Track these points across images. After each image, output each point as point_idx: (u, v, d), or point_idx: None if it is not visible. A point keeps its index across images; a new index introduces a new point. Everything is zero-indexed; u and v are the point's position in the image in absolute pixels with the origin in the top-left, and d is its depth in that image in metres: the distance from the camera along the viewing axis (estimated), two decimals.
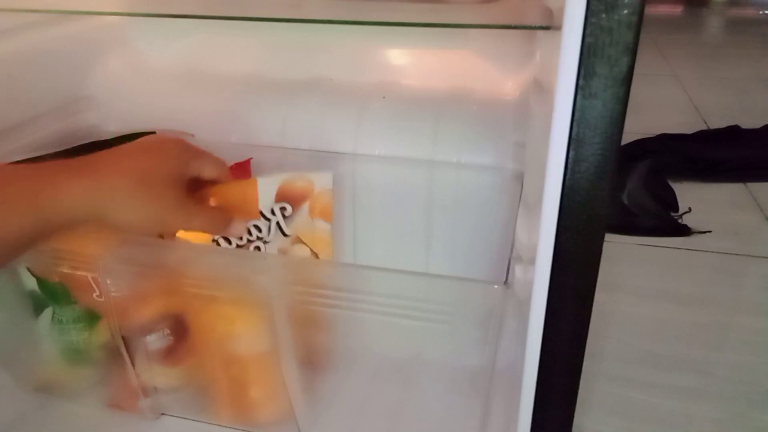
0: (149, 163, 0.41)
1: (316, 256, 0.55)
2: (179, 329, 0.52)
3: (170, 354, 0.52)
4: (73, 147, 0.57)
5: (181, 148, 0.44)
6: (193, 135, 0.62)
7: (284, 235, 0.54)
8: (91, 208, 0.38)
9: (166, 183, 0.41)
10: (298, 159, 0.60)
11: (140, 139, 0.44)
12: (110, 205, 0.38)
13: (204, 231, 0.47)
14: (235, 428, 0.54)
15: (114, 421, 0.56)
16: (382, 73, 0.64)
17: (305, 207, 0.54)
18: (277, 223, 0.54)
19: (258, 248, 0.54)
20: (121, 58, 0.69)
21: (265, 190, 0.53)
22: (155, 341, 0.51)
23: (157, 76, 0.69)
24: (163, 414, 0.56)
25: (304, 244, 0.55)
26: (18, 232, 0.36)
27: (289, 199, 0.54)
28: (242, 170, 0.58)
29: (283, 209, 0.54)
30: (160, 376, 0.54)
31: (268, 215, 0.54)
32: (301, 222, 0.55)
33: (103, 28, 0.69)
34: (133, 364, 0.52)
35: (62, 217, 0.37)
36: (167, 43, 0.69)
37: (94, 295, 0.50)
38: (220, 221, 0.46)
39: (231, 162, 0.59)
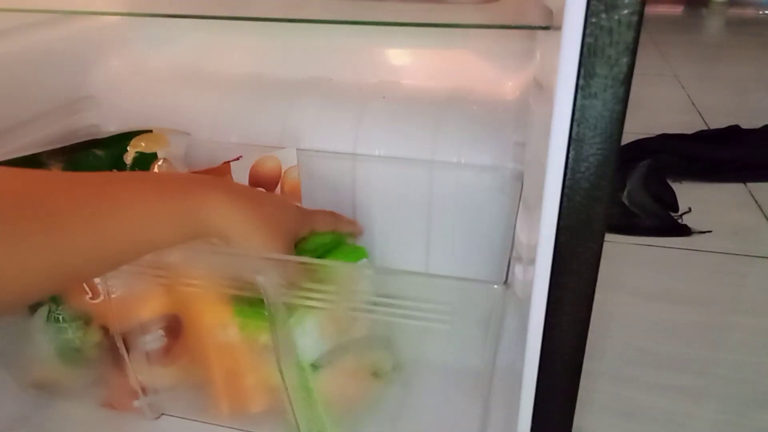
0: (276, 209, 0.44)
1: None
2: (174, 329, 0.52)
3: (166, 353, 0.52)
4: (71, 145, 0.57)
5: (300, 213, 0.48)
6: (189, 134, 0.62)
7: None
8: (221, 228, 0.39)
9: (284, 230, 0.44)
10: (298, 159, 0.60)
11: (271, 195, 0.51)
12: (236, 230, 0.40)
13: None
14: (235, 428, 0.54)
15: (114, 420, 0.56)
16: (382, 73, 0.64)
17: (278, 190, 0.55)
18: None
19: None
20: (121, 58, 0.69)
21: (239, 175, 0.54)
22: (151, 341, 0.51)
23: (157, 76, 0.69)
24: (163, 414, 0.56)
25: None
26: (165, 243, 0.36)
27: (263, 182, 0.55)
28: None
29: None
30: (156, 375, 0.54)
31: None
32: None
33: (103, 28, 0.69)
34: (129, 364, 0.52)
35: (200, 230, 0.38)
36: (167, 43, 0.69)
37: (87, 297, 0.50)
38: None
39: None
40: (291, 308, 0.46)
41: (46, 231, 0.31)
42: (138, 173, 0.54)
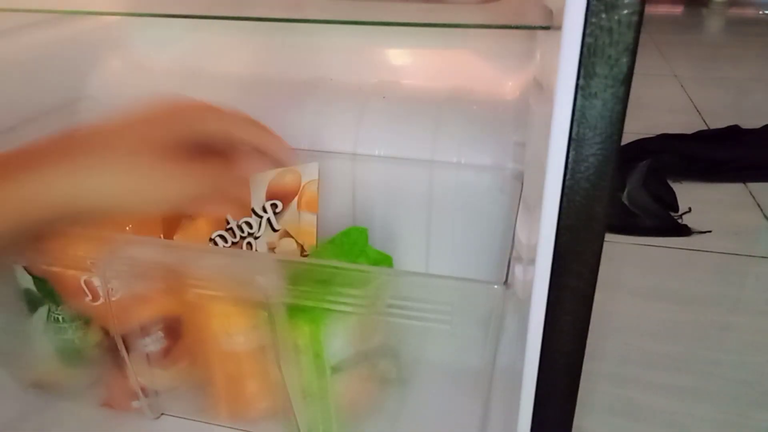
0: (139, 133, 0.35)
1: (302, 247, 0.56)
2: (174, 331, 0.52)
3: (166, 355, 0.53)
4: None
5: (191, 112, 0.39)
6: None
7: (273, 230, 0.55)
8: (72, 195, 0.32)
9: (156, 152, 0.34)
10: (298, 159, 0.60)
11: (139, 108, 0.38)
12: (91, 186, 0.33)
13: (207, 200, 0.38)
14: (235, 428, 0.54)
15: (114, 421, 0.56)
16: (382, 73, 0.64)
17: (294, 201, 0.55)
18: (268, 219, 0.55)
19: (249, 244, 0.55)
20: (121, 58, 0.69)
21: (257, 187, 0.54)
22: (151, 343, 0.51)
23: (157, 76, 0.69)
24: (162, 414, 0.56)
25: (291, 237, 0.56)
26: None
27: (280, 195, 0.55)
28: None
29: (274, 206, 0.55)
30: (156, 377, 0.54)
31: (260, 212, 0.55)
32: (289, 216, 0.56)
33: (103, 28, 0.69)
34: (128, 365, 0.52)
35: (45, 213, 0.32)
36: (167, 43, 0.69)
37: (87, 299, 0.50)
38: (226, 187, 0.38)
39: None
40: (321, 312, 0.45)
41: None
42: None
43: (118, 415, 0.56)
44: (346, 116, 0.61)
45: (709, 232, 0.88)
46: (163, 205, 0.36)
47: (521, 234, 0.44)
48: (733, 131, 1.20)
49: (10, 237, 0.32)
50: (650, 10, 2.41)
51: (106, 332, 0.51)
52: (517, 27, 0.45)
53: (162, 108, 0.38)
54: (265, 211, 0.55)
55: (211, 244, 0.54)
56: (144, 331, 0.51)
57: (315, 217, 0.57)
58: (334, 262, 0.48)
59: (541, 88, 0.42)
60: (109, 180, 0.34)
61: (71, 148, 0.35)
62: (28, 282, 0.53)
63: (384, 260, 0.54)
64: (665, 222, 0.91)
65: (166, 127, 0.36)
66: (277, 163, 0.42)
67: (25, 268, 0.52)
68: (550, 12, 0.36)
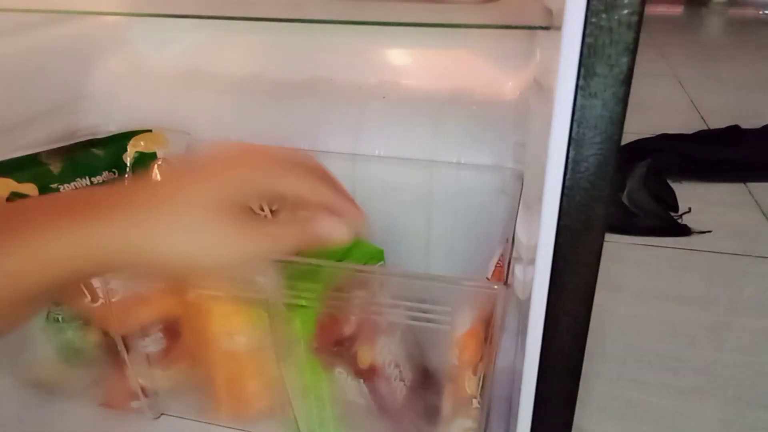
0: (204, 185, 0.33)
1: None
2: (174, 332, 0.52)
3: (166, 356, 0.52)
4: (70, 144, 0.57)
5: (257, 164, 0.35)
6: (189, 134, 0.62)
7: None
8: (126, 247, 0.30)
9: (222, 207, 0.32)
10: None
11: (209, 157, 0.35)
12: (148, 239, 0.31)
13: (283, 247, 0.34)
14: (235, 428, 0.54)
15: (114, 420, 0.56)
16: (382, 73, 0.64)
17: None
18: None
19: None
20: (121, 58, 0.69)
21: None
22: (150, 344, 0.51)
23: (157, 76, 0.69)
24: (163, 414, 0.56)
25: None
26: (39, 283, 0.29)
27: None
28: None
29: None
30: (156, 377, 0.54)
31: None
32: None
33: (103, 28, 0.69)
34: (128, 365, 0.52)
35: (94, 261, 0.30)
36: (167, 43, 0.69)
37: (86, 300, 0.50)
38: (299, 231, 0.35)
39: None
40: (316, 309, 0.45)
41: None
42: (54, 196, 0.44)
43: (117, 415, 0.56)
44: (346, 116, 0.61)
45: (709, 232, 0.88)
46: (230, 264, 0.33)
47: (521, 234, 0.44)
48: (733, 131, 1.20)
49: (53, 283, 0.30)
50: (650, 10, 2.40)
51: (106, 333, 0.51)
52: (517, 27, 0.45)
53: (230, 160, 0.35)
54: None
55: None
56: (144, 331, 0.51)
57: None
58: (334, 262, 0.48)
59: (541, 88, 0.42)
60: (177, 235, 0.31)
61: (129, 199, 0.32)
62: None
63: (375, 253, 0.54)
64: (665, 222, 0.91)
65: (233, 182, 0.33)
66: (352, 229, 0.37)
67: None
68: (550, 12, 0.36)
